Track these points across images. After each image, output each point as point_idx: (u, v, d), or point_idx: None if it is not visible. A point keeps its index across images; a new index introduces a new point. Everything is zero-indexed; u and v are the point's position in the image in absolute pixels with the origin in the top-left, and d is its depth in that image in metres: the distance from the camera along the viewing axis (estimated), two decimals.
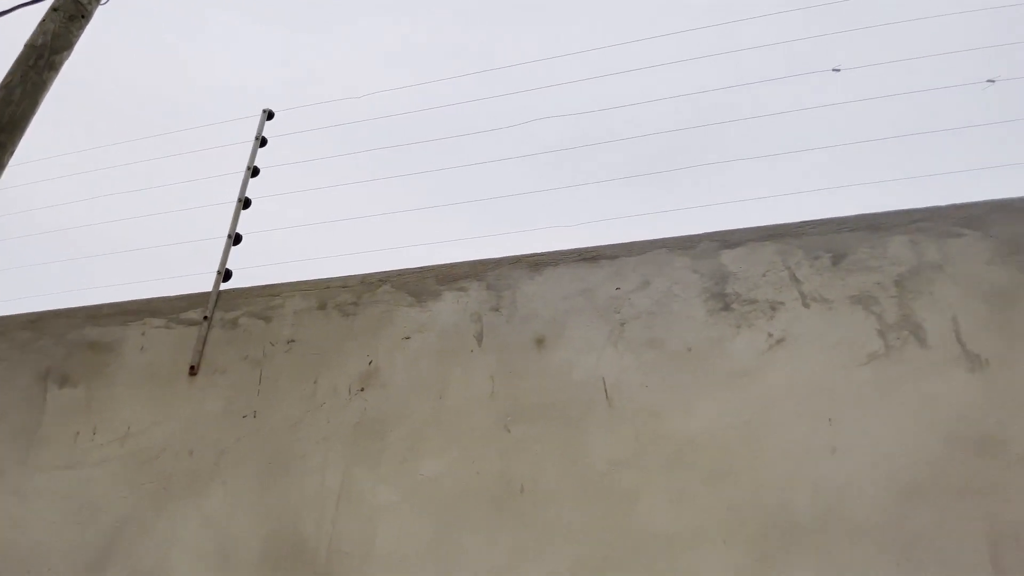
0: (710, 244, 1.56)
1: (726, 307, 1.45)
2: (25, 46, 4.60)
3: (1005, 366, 1.25)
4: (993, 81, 1.58)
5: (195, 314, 1.85)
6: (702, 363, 1.40)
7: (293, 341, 1.72)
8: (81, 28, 5.06)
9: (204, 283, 1.91)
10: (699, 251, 1.55)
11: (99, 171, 2.53)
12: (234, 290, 1.88)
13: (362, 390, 1.59)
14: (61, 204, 2.72)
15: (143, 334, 1.87)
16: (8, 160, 4.17)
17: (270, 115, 2.31)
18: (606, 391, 1.42)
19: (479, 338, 1.57)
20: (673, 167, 1.84)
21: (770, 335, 1.39)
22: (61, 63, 4.78)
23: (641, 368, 1.43)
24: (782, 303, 1.42)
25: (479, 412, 1.46)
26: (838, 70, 1.74)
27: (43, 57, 4.66)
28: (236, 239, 2.02)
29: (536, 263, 1.66)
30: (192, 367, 1.74)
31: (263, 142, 2.24)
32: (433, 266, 1.73)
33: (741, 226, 1.56)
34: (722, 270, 1.51)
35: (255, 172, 2.17)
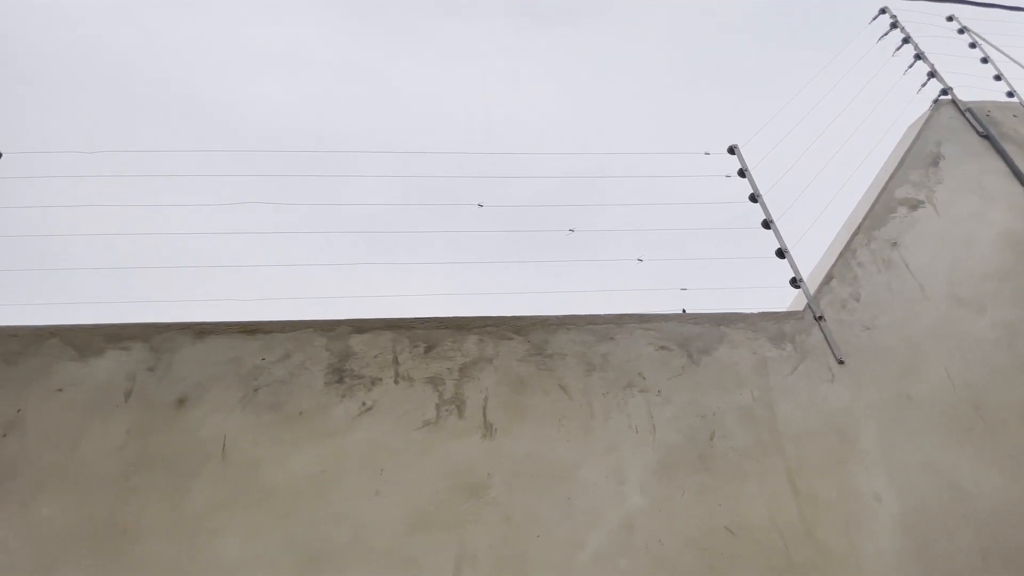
0: (346, 328, 2.00)
1: (340, 380, 1.89)
2: None
3: (505, 433, 1.83)
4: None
5: None
6: (307, 424, 1.79)
7: None
8: None
9: None
10: (337, 333, 1.99)
11: None
12: None
13: (4, 436, 1.72)
14: None
15: None
16: None
17: None
18: (224, 446, 1.74)
19: (127, 395, 1.81)
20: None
21: (364, 404, 1.84)
22: None
23: (258, 427, 1.78)
24: (380, 379, 1.89)
25: (106, 462, 1.69)
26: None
27: None
28: None
29: (202, 331, 1.96)
30: None
31: None
32: (105, 324, 1.94)
33: (373, 316, 2.03)
34: (348, 350, 1.95)
35: None
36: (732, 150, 2.69)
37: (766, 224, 2.45)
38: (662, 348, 2.07)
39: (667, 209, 2.54)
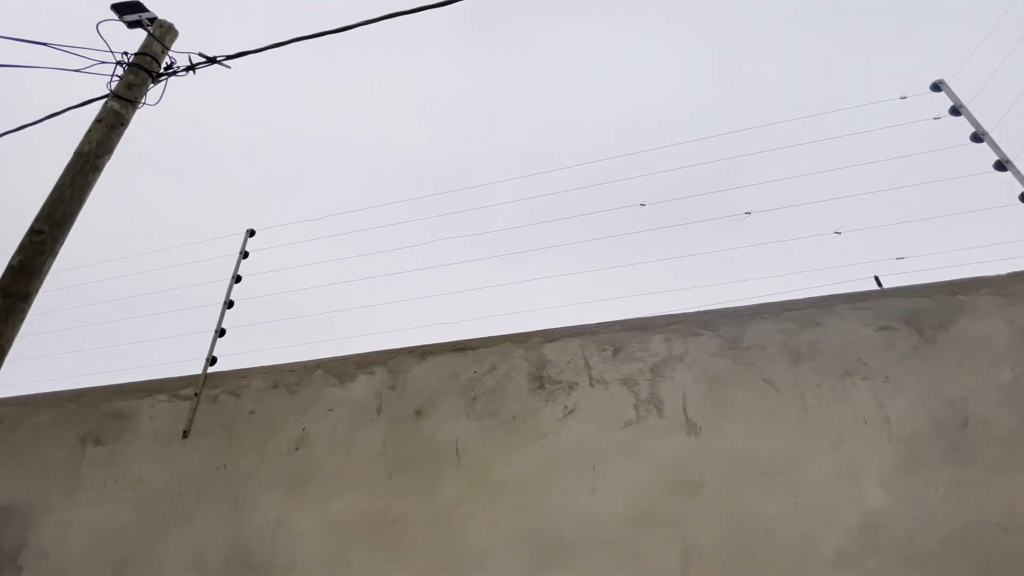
0: (538, 339, 2.17)
1: (541, 386, 2.06)
2: (74, 153, 5.59)
3: (711, 431, 1.81)
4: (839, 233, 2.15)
5: (189, 391, 2.55)
6: (520, 427, 2.00)
7: (254, 412, 2.39)
8: (120, 135, 6.06)
9: (198, 367, 2.61)
10: (530, 344, 2.17)
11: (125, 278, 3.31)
12: (217, 373, 2.58)
13: (297, 449, 2.23)
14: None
15: (153, 406, 2.57)
16: (59, 250, 5.08)
17: (252, 233, 3.07)
18: (457, 449, 2.03)
19: (378, 410, 2.21)
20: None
21: (566, 407, 1.99)
22: (103, 166, 5.76)
23: (481, 431, 2.03)
24: (577, 383, 2.02)
25: (372, 465, 2.08)
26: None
27: (89, 162, 5.64)
28: (221, 332, 2.73)
29: (424, 352, 2.30)
30: (185, 432, 2.43)
31: (246, 255, 2.99)
32: (353, 355, 2.39)
33: (559, 326, 2.17)
34: (543, 358, 2.12)
35: (238, 279, 2.90)
36: (937, 87, 2.29)
37: (1001, 165, 2.03)
38: (883, 328, 1.85)
39: (861, 170, 2.26)
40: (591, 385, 2.01)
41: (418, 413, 2.15)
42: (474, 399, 2.11)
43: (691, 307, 2.07)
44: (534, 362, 2.12)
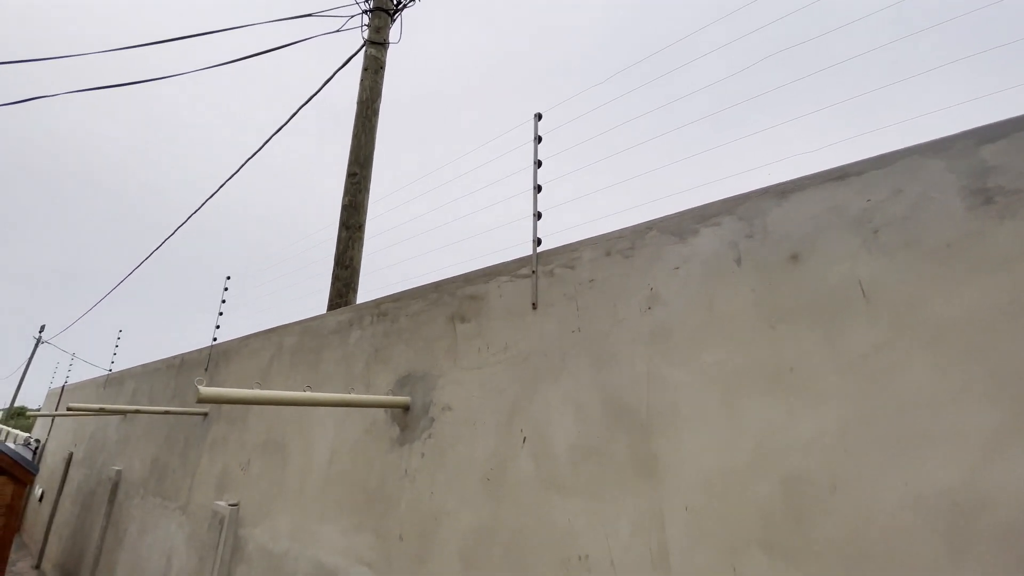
0: (967, 142, 1.62)
1: (988, 201, 1.55)
2: (357, 103, 6.51)
3: None
4: None
5: (526, 271, 2.78)
6: (962, 255, 1.56)
7: (593, 280, 2.47)
8: (382, 77, 6.81)
9: (527, 249, 2.82)
10: (955, 151, 1.64)
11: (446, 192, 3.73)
12: (546, 251, 2.74)
13: (649, 309, 2.23)
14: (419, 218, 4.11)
15: (499, 287, 2.90)
16: (370, 186, 6.13)
17: (539, 116, 3.08)
18: (863, 290, 1.71)
19: (737, 261, 2.01)
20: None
21: None
22: (379, 108, 6.59)
23: (896, 268, 1.66)
24: None
25: (744, 317, 1.94)
26: None
27: (369, 107, 6.51)
28: (539, 216, 2.87)
29: (782, 191, 1.98)
30: (533, 304, 2.68)
31: (539, 139, 3.03)
32: (689, 209, 2.21)
33: (1002, 118, 1.57)
34: (982, 166, 1.58)
35: (539, 164, 2.98)
36: None
37: None
38: None
39: None
40: None
41: (793, 258, 1.88)
42: (875, 232, 1.73)
43: None
44: (967, 173, 1.60)
